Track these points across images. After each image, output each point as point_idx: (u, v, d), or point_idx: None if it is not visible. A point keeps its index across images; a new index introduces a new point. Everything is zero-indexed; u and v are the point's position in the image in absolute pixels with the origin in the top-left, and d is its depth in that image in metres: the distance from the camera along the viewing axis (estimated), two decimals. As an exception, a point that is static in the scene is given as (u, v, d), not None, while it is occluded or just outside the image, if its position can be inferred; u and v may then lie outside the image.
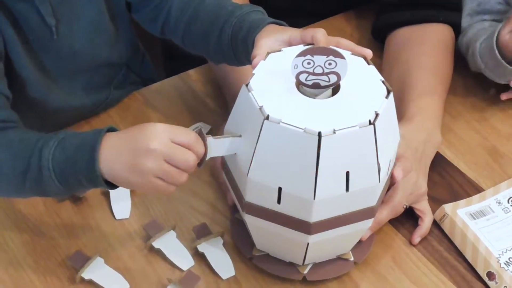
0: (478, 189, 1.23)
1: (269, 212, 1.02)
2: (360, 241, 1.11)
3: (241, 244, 1.12)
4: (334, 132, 0.94)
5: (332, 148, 0.95)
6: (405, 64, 1.31)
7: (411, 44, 1.33)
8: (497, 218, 1.17)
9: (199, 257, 1.12)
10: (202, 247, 1.12)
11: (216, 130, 1.25)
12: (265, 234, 1.07)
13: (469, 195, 1.21)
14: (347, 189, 0.99)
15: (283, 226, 1.02)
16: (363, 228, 1.06)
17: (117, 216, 1.17)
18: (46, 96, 1.23)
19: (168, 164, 0.97)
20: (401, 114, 1.24)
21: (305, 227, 1.01)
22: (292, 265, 1.10)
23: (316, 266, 1.10)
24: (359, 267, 1.12)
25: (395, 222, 1.17)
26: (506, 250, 1.12)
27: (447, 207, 1.17)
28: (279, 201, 1.00)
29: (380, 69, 1.34)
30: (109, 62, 1.30)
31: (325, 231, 1.02)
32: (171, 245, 1.12)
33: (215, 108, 1.33)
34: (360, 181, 0.99)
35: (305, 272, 1.09)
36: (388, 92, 1.00)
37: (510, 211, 1.18)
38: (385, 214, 1.13)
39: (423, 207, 1.17)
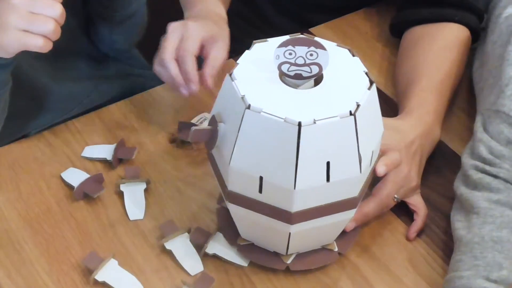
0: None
1: (251, 201, 0.99)
2: (345, 232, 1.08)
3: (226, 233, 1.09)
4: (314, 122, 0.92)
5: (312, 138, 0.92)
6: (413, 60, 1.28)
7: (422, 41, 1.30)
8: None
9: (211, 259, 1.08)
10: (211, 247, 1.08)
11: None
12: (248, 223, 1.04)
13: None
14: (327, 179, 0.95)
15: (265, 215, 0.99)
16: (345, 218, 1.03)
17: (131, 217, 1.12)
18: (31, 74, 1.19)
19: (31, 13, 0.94)
20: (403, 108, 1.21)
21: (287, 217, 0.98)
22: (276, 254, 1.07)
23: (300, 256, 1.07)
24: (373, 267, 1.08)
25: (408, 221, 1.13)
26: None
27: None
28: (260, 190, 0.97)
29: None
30: (86, 52, 1.27)
31: (306, 221, 0.99)
32: (183, 247, 1.08)
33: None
34: (341, 171, 0.96)
35: (289, 262, 1.06)
36: (371, 84, 0.97)
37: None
38: (372, 206, 1.09)
39: (416, 201, 1.13)
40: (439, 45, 1.28)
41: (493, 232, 1.03)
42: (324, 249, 1.08)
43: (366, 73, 0.99)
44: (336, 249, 1.08)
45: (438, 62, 1.26)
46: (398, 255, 1.10)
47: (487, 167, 1.08)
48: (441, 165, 1.22)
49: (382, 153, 1.07)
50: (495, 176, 1.07)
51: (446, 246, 1.11)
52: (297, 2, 1.50)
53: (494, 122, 1.10)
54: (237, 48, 1.17)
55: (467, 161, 1.11)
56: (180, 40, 1.16)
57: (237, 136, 0.95)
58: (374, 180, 1.09)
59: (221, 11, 1.26)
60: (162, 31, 1.21)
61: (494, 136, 1.10)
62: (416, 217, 1.13)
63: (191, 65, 1.15)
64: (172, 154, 1.21)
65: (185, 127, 1.21)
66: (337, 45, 1.02)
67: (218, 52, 1.17)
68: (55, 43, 1.16)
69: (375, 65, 1.37)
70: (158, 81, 1.27)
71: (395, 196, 1.11)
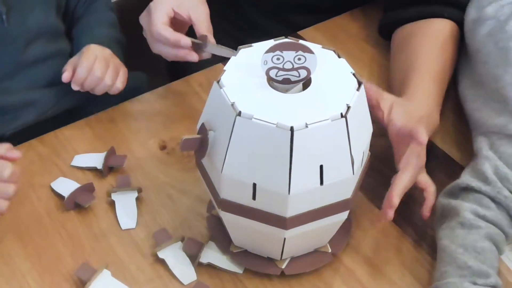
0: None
1: (245, 209, 0.97)
2: (336, 232, 1.06)
3: (218, 241, 1.07)
4: (306, 126, 0.90)
5: (305, 142, 0.91)
6: (408, 55, 1.26)
7: (414, 37, 1.28)
8: None
9: (205, 266, 1.05)
10: (205, 257, 1.05)
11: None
12: (242, 231, 1.02)
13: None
14: (321, 183, 0.94)
15: (259, 222, 0.98)
16: (339, 220, 1.01)
17: (123, 226, 1.09)
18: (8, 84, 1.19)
19: None
20: (401, 95, 1.18)
21: (281, 222, 0.96)
22: (270, 260, 1.05)
23: (294, 260, 1.05)
24: (368, 271, 1.06)
25: (403, 224, 1.12)
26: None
27: None
28: (254, 197, 0.95)
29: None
30: (66, 53, 1.27)
31: (301, 225, 0.98)
32: (176, 256, 1.05)
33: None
34: (334, 174, 0.94)
35: (283, 266, 1.04)
36: (359, 85, 0.96)
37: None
38: (407, 177, 1.06)
39: (425, 179, 1.10)
40: (432, 39, 1.27)
41: (476, 242, 1.01)
42: (318, 251, 1.07)
43: (353, 74, 0.98)
44: (329, 251, 1.07)
45: (434, 55, 1.24)
46: (392, 259, 1.08)
47: (485, 187, 1.06)
48: (434, 168, 1.19)
49: (408, 128, 1.06)
50: (491, 198, 1.05)
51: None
52: (281, 4, 1.48)
53: (507, 145, 1.08)
54: None
55: (468, 181, 1.08)
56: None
57: (228, 143, 0.93)
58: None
59: None
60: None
61: (503, 157, 1.08)
62: (427, 195, 1.09)
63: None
64: (163, 161, 1.19)
65: None
66: (322, 47, 1.01)
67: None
68: (37, 53, 1.16)
69: (365, 67, 1.36)
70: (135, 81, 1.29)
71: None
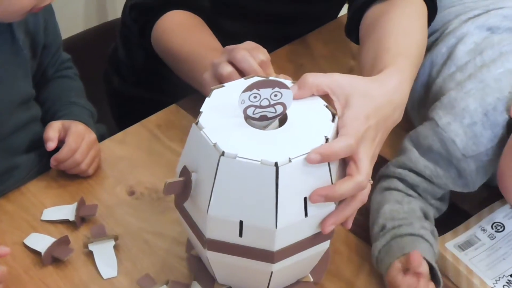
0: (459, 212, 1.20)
1: (231, 246, 0.97)
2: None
3: (202, 281, 1.06)
4: (290, 160, 0.91)
5: (290, 176, 0.91)
6: (377, 33, 1.19)
7: (381, 16, 1.22)
8: (484, 246, 1.12)
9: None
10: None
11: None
12: (227, 268, 1.01)
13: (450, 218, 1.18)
14: (305, 215, 0.95)
15: (246, 258, 0.97)
16: (322, 249, 1.02)
17: (105, 276, 1.07)
18: None
19: None
20: (375, 74, 1.07)
21: (269, 257, 0.96)
22: None
23: None
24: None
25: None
26: (499, 277, 1.08)
27: None
28: (241, 234, 0.95)
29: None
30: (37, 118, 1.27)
31: (287, 258, 0.98)
32: (163, 302, 1.03)
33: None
34: (318, 205, 0.95)
35: None
36: (334, 116, 0.98)
37: (495, 237, 1.13)
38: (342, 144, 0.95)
39: (365, 191, 0.99)
40: (399, 13, 1.21)
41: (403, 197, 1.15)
42: (300, 282, 1.07)
43: (326, 107, 0.99)
44: (311, 280, 1.07)
45: (402, 28, 1.18)
46: (372, 279, 1.10)
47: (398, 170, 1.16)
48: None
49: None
50: (401, 179, 1.16)
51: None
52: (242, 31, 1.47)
53: (425, 126, 1.17)
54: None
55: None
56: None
57: (213, 184, 0.93)
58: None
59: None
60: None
61: (420, 135, 1.16)
62: (352, 204, 0.99)
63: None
64: (133, 206, 1.17)
65: None
66: (292, 82, 1.02)
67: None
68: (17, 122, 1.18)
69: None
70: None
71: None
